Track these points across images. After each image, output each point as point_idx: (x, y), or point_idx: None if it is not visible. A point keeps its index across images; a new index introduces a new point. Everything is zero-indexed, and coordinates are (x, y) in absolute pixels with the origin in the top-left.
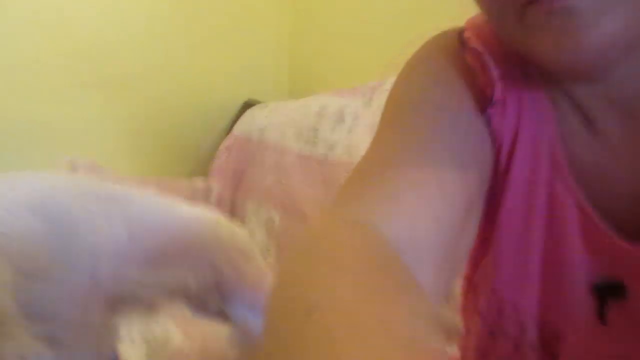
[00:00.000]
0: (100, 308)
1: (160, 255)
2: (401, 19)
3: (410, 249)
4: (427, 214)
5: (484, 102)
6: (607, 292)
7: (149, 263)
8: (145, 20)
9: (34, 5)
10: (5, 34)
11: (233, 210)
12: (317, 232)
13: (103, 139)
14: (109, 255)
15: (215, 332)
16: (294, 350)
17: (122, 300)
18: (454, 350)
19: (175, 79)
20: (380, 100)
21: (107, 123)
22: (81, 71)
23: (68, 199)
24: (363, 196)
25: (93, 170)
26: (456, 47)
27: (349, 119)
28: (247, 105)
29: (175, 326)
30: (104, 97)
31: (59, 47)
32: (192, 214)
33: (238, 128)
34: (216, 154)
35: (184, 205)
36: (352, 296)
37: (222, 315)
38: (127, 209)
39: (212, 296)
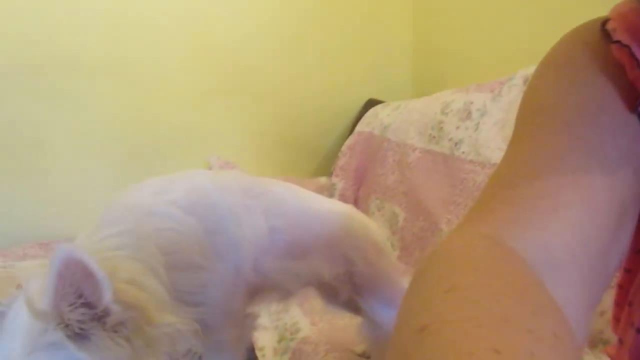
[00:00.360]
0: (242, 297)
1: (298, 246)
2: (529, 10)
3: (551, 269)
4: (569, 229)
5: (634, 99)
6: None
7: (287, 254)
8: (279, 32)
9: (180, 20)
10: (152, 45)
11: (356, 207)
12: (452, 248)
13: (236, 141)
14: (250, 246)
15: (342, 323)
16: None
17: (261, 289)
18: None
19: (303, 82)
20: (509, 95)
21: (240, 126)
22: (218, 79)
23: (216, 196)
24: (498, 212)
25: (227, 169)
26: (599, 40)
27: (475, 116)
28: (370, 104)
29: (304, 315)
30: (238, 102)
31: (201, 56)
32: (328, 206)
33: (361, 127)
34: (339, 153)
35: (321, 198)
36: (467, 319)
37: (352, 306)
38: (268, 202)
39: (344, 287)
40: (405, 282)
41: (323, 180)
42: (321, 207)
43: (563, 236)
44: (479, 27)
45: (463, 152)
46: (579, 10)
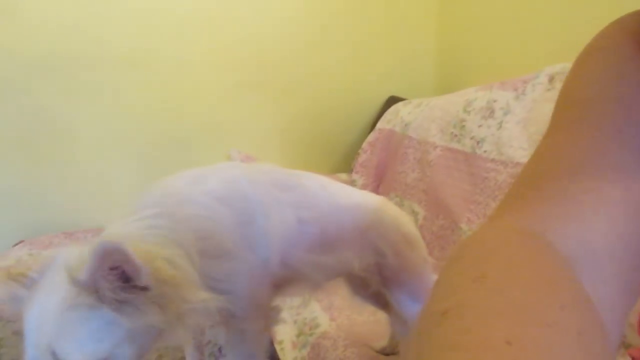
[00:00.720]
0: (269, 288)
1: (328, 239)
2: (554, 7)
3: (590, 265)
4: (610, 226)
5: None
6: None
7: (316, 247)
8: (303, 29)
9: (206, 14)
10: (178, 39)
11: None
12: (485, 237)
13: (257, 135)
14: (278, 239)
15: (362, 319)
16: (420, 348)
17: (289, 281)
18: None
19: (325, 78)
20: (533, 94)
21: (261, 120)
22: (242, 74)
23: (248, 189)
24: (535, 204)
25: (248, 162)
26: None
27: (498, 114)
28: (391, 101)
29: (323, 310)
30: (261, 97)
31: (226, 51)
32: (359, 199)
33: (382, 124)
34: (360, 150)
35: (353, 190)
36: (489, 308)
37: (379, 299)
38: (299, 196)
39: (373, 278)
40: (434, 276)
41: (343, 176)
42: (352, 200)
43: (604, 233)
44: (503, 25)
45: (485, 151)
46: (603, 9)
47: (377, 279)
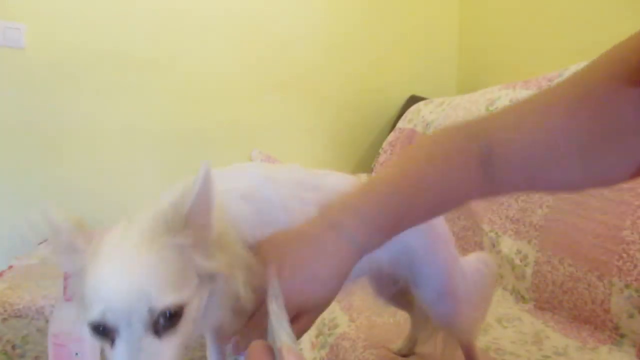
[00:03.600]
0: None
1: None
2: (577, 7)
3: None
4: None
5: None
6: None
7: None
8: (325, 30)
9: (231, 17)
10: (202, 41)
11: None
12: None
13: (278, 136)
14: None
15: (381, 320)
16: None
17: None
18: None
19: (346, 78)
20: None
21: (283, 121)
22: (264, 76)
23: (269, 190)
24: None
25: (268, 162)
26: None
27: None
28: (412, 100)
29: (342, 311)
30: (283, 98)
31: (248, 54)
32: None
33: (402, 124)
34: (380, 150)
35: None
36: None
37: (402, 299)
38: (323, 195)
39: (401, 274)
40: (463, 274)
41: (363, 176)
42: None
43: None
44: (525, 24)
45: None
46: (625, 9)
47: (405, 275)
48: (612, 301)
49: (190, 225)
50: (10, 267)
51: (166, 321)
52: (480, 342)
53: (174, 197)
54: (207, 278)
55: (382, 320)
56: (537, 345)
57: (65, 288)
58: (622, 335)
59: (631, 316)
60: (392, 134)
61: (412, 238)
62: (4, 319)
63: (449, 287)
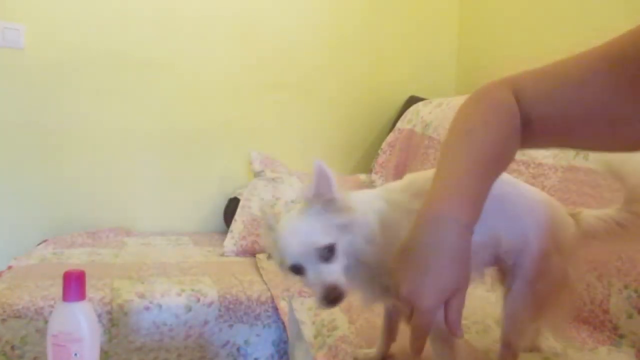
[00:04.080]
0: None
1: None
2: (575, 9)
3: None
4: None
5: None
6: None
7: None
8: (325, 30)
9: (228, 18)
10: (200, 42)
11: None
12: (486, 92)
13: (277, 136)
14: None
15: (380, 321)
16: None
17: None
18: None
19: (344, 79)
20: None
21: (281, 121)
22: (263, 76)
23: (390, 212)
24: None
25: (267, 163)
26: None
27: None
28: (411, 101)
29: (341, 312)
30: (281, 99)
31: (247, 54)
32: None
33: (401, 124)
34: (379, 150)
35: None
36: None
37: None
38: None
39: (508, 260)
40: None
41: (362, 177)
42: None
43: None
44: (524, 25)
45: None
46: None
47: (510, 262)
48: (611, 302)
49: (320, 200)
50: (10, 267)
51: (327, 254)
52: (480, 344)
53: (306, 189)
54: (343, 228)
55: (382, 322)
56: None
57: (64, 288)
58: (621, 336)
59: (630, 317)
60: (391, 134)
61: (529, 228)
62: (3, 320)
63: (531, 289)
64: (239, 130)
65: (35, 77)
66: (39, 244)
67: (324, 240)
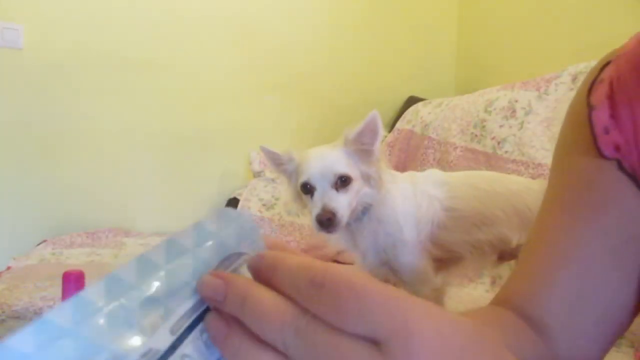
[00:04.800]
0: (428, 263)
1: (479, 219)
2: (575, 5)
3: (556, 328)
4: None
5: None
6: None
7: (467, 227)
8: (324, 31)
9: (228, 20)
10: (199, 43)
11: None
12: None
13: (276, 136)
14: (426, 223)
15: None
16: None
17: (450, 262)
18: None
19: (344, 79)
20: (556, 94)
21: (280, 122)
22: (263, 77)
23: (411, 188)
24: (517, 274)
25: (267, 163)
26: None
27: (520, 114)
28: (410, 101)
29: None
30: (281, 99)
31: (246, 54)
32: (525, 184)
33: (401, 124)
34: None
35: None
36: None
37: None
38: (447, 189)
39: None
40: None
41: None
42: (507, 187)
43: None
44: (524, 24)
45: (506, 152)
46: (624, 10)
47: None
48: None
49: (357, 144)
50: (9, 267)
51: (341, 183)
52: None
53: (348, 130)
54: (366, 178)
55: None
56: None
57: (63, 289)
58: (620, 336)
59: None
60: (390, 134)
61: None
62: (2, 321)
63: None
64: (238, 131)
65: (34, 77)
66: (38, 244)
67: (344, 169)
